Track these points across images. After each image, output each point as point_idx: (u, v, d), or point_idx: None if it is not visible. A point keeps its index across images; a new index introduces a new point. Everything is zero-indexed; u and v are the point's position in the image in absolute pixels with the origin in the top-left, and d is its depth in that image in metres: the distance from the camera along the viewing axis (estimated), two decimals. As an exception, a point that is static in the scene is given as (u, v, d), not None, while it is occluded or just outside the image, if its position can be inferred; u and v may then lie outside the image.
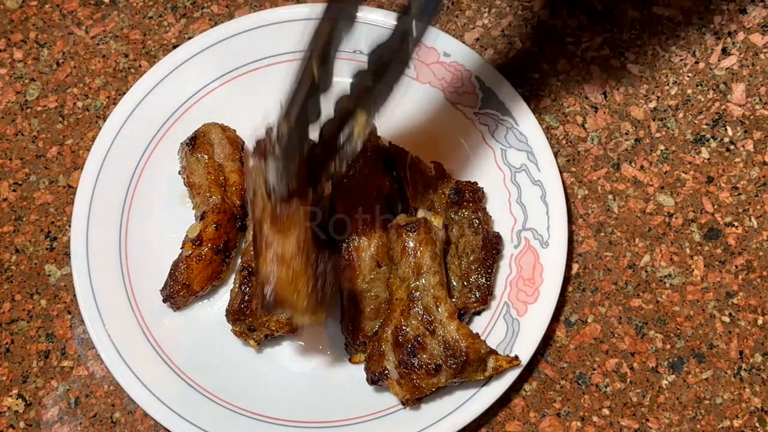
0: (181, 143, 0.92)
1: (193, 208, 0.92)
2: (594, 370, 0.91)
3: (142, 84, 0.95)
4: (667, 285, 0.93)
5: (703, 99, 1.00)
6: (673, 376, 0.91)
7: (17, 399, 0.91)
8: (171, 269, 0.89)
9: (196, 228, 0.88)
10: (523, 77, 1.01)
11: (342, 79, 0.98)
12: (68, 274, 0.95)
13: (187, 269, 0.88)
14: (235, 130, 0.94)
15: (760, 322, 0.92)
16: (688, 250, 0.95)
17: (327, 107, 0.73)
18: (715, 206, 0.96)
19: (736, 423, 0.89)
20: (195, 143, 0.91)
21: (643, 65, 1.01)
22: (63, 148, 1.00)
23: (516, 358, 0.84)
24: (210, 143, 0.91)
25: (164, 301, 0.89)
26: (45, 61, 1.04)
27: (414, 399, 0.83)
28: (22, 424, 0.90)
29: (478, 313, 0.90)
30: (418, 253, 0.83)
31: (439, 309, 0.82)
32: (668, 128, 0.99)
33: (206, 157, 0.91)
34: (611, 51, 1.02)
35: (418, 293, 0.83)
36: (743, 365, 0.91)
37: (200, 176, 0.90)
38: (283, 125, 0.70)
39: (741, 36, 1.02)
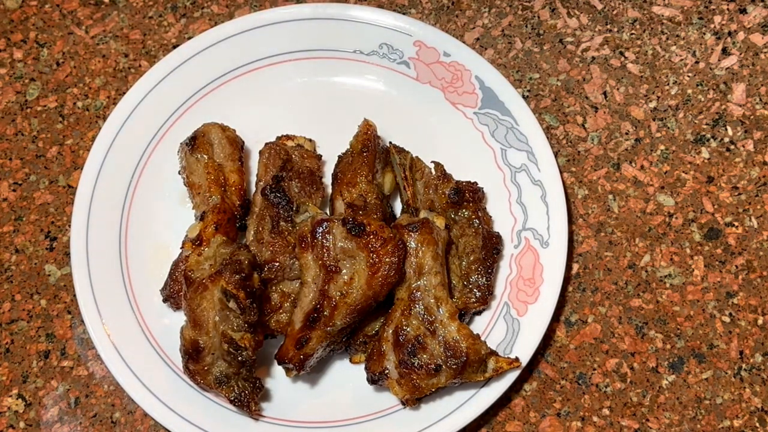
0: (181, 143, 0.92)
1: (192, 208, 0.92)
2: (594, 370, 0.91)
3: (142, 84, 0.95)
4: (667, 285, 0.93)
5: (703, 99, 1.00)
6: (673, 376, 0.91)
7: (17, 399, 0.91)
8: (171, 269, 0.89)
9: (195, 228, 0.88)
10: (523, 77, 1.01)
11: (344, 79, 0.99)
12: (68, 274, 0.95)
13: (187, 269, 0.88)
14: (234, 130, 0.94)
15: (760, 322, 0.92)
16: (688, 250, 0.95)
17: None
18: (715, 206, 0.96)
19: (736, 423, 0.89)
20: (195, 143, 0.91)
21: (643, 65, 1.01)
22: (63, 148, 1.00)
23: (516, 359, 0.84)
24: (210, 143, 0.91)
25: (164, 300, 0.89)
26: (45, 61, 1.04)
27: (414, 399, 0.83)
28: (22, 424, 0.90)
29: (479, 313, 0.90)
30: (420, 253, 0.83)
31: (440, 309, 0.82)
32: (668, 128, 0.99)
33: (206, 157, 0.91)
34: (611, 51, 1.02)
35: (419, 293, 0.83)
36: (743, 365, 0.91)
37: (200, 176, 0.90)
38: None
39: (741, 36, 1.02)
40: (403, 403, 0.85)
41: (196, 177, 0.90)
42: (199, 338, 0.82)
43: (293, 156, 0.91)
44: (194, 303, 0.82)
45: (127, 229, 0.92)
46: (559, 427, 0.89)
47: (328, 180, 0.94)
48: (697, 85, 1.00)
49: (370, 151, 0.90)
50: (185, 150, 0.91)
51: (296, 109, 0.98)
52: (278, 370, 0.88)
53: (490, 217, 0.92)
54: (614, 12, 1.04)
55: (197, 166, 0.90)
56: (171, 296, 0.88)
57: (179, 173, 0.93)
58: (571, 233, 0.95)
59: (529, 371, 0.91)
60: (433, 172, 0.92)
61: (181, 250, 0.89)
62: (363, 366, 0.86)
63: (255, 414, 0.85)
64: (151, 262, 0.92)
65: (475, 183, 0.91)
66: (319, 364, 0.88)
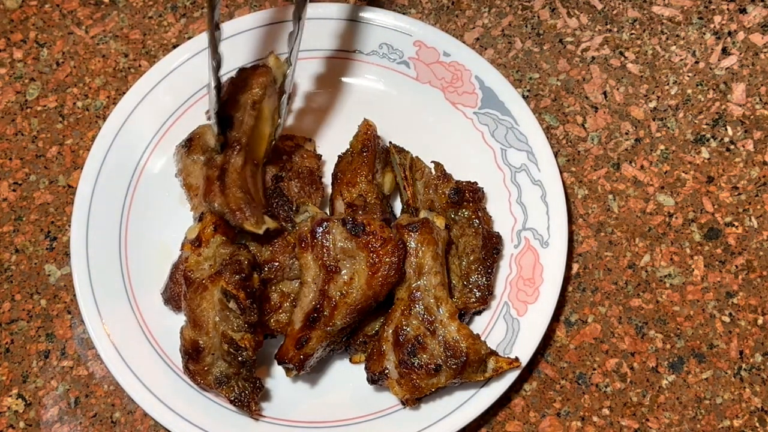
0: (177, 145, 0.92)
1: (191, 210, 0.91)
2: (594, 370, 0.91)
3: (142, 84, 0.95)
4: (667, 285, 0.93)
5: (703, 99, 1.00)
6: (673, 376, 0.91)
7: (17, 399, 0.91)
8: (171, 271, 0.89)
9: (194, 229, 0.88)
10: (523, 77, 1.01)
11: (344, 79, 0.99)
12: (68, 274, 0.95)
13: (187, 270, 0.88)
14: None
15: (760, 321, 0.92)
16: (688, 250, 0.95)
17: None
18: (715, 206, 0.96)
19: (736, 423, 0.89)
20: (190, 145, 0.90)
21: (643, 65, 1.01)
22: (63, 148, 1.00)
23: (516, 359, 0.84)
24: (206, 144, 0.91)
25: (165, 303, 0.89)
26: (45, 61, 1.04)
27: (414, 399, 0.83)
28: (22, 424, 0.90)
29: (479, 312, 0.90)
30: (420, 253, 0.83)
31: (440, 309, 0.82)
32: (668, 128, 0.99)
33: (202, 158, 0.90)
34: (611, 51, 1.02)
35: (419, 293, 0.83)
36: (743, 365, 0.91)
37: (197, 177, 0.90)
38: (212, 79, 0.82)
39: (741, 36, 1.02)
40: (403, 403, 0.85)
41: (193, 179, 0.90)
42: (199, 338, 0.82)
43: (293, 156, 0.91)
44: (194, 303, 0.82)
45: (127, 229, 0.92)
46: (559, 427, 0.89)
47: (328, 180, 0.94)
48: (697, 85, 1.00)
49: (370, 151, 0.90)
50: (181, 152, 0.91)
51: (296, 109, 0.98)
52: (278, 370, 0.88)
53: (490, 217, 0.92)
54: (614, 12, 1.04)
55: (194, 167, 0.90)
56: (172, 298, 0.88)
57: (176, 176, 0.92)
58: (571, 233, 0.95)
59: (529, 371, 0.91)
60: (433, 172, 0.92)
61: (180, 252, 0.89)
62: (363, 366, 0.86)
63: (255, 414, 0.85)
64: (151, 261, 0.92)
65: (475, 183, 0.91)
66: (319, 364, 0.88)
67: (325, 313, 0.81)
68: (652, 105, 1.00)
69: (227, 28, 0.97)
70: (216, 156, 0.87)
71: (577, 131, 0.99)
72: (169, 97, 0.96)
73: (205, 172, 0.87)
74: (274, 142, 0.90)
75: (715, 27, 1.03)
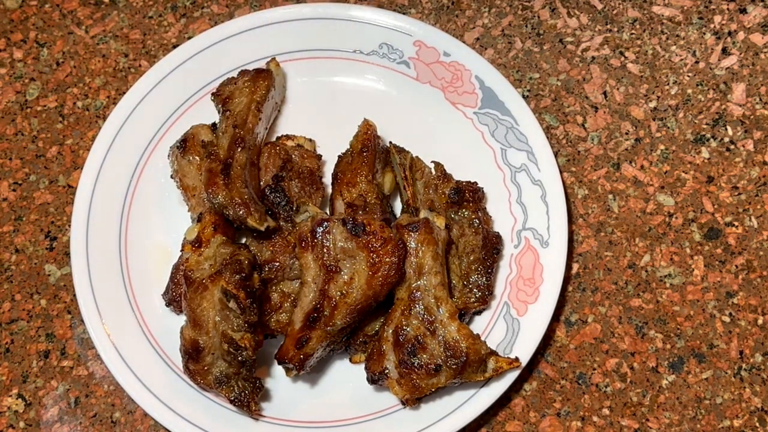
0: (171, 147, 0.92)
1: (188, 210, 0.91)
2: (594, 370, 0.91)
3: (142, 84, 0.95)
4: (667, 285, 0.93)
5: (703, 99, 1.00)
6: (673, 376, 0.91)
7: (17, 399, 0.91)
8: (172, 273, 0.89)
9: (194, 230, 0.87)
10: (523, 77, 1.01)
11: (344, 79, 0.99)
12: (68, 274, 0.95)
13: (188, 270, 0.87)
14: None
15: (760, 321, 0.92)
16: (688, 250, 0.95)
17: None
18: (715, 206, 0.96)
19: (736, 423, 0.89)
20: (185, 146, 0.90)
21: (643, 65, 1.02)
22: (63, 148, 1.00)
23: (516, 359, 0.84)
24: (200, 144, 0.91)
25: (167, 305, 0.89)
26: (45, 60, 1.04)
27: (414, 399, 0.83)
28: (22, 424, 0.90)
29: (479, 312, 0.90)
30: (420, 252, 0.83)
31: (440, 309, 0.82)
32: (668, 128, 0.99)
33: (197, 158, 0.90)
34: (611, 51, 1.02)
35: (419, 293, 0.83)
36: (743, 365, 0.91)
37: (193, 178, 0.90)
38: None
39: (741, 36, 1.02)
40: (403, 403, 0.85)
41: (190, 179, 0.90)
42: (199, 338, 0.82)
43: (293, 156, 0.91)
44: (194, 303, 0.82)
45: (127, 229, 0.92)
46: (559, 427, 0.89)
47: (328, 180, 0.94)
48: (697, 85, 1.00)
49: (370, 151, 0.90)
50: (176, 153, 0.91)
51: (296, 109, 0.98)
52: (278, 370, 0.88)
53: (490, 217, 0.92)
54: (614, 12, 1.04)
55: (189, 168, 0.90)
56: (174, 300, 0.88)
57: (171, 177, 0.92)
58: (571, 233, 0.95)
59: (529, 371, 0.91)
60: (433, 172, 0.92)
61: (181, 253, 0.89)
62: (363, 366, 0.86)
63: (255, 414, 0.85)
64: (151, 261, 0.92)
65: (475, 183, 0.91)
66: (319, 364, 0.88)
67: (325, 313, 0.81)
68: (652, 105, 1.00)
69: (227, 28, 0.97)
70: (218, 150, 0.87)
71: (577, 131, 0.99)
72: (169, 97, 0.96)
73: (207, 164, 0.87)
74: (263, 144, 0.92)
75: (715, 27, 1.03)
